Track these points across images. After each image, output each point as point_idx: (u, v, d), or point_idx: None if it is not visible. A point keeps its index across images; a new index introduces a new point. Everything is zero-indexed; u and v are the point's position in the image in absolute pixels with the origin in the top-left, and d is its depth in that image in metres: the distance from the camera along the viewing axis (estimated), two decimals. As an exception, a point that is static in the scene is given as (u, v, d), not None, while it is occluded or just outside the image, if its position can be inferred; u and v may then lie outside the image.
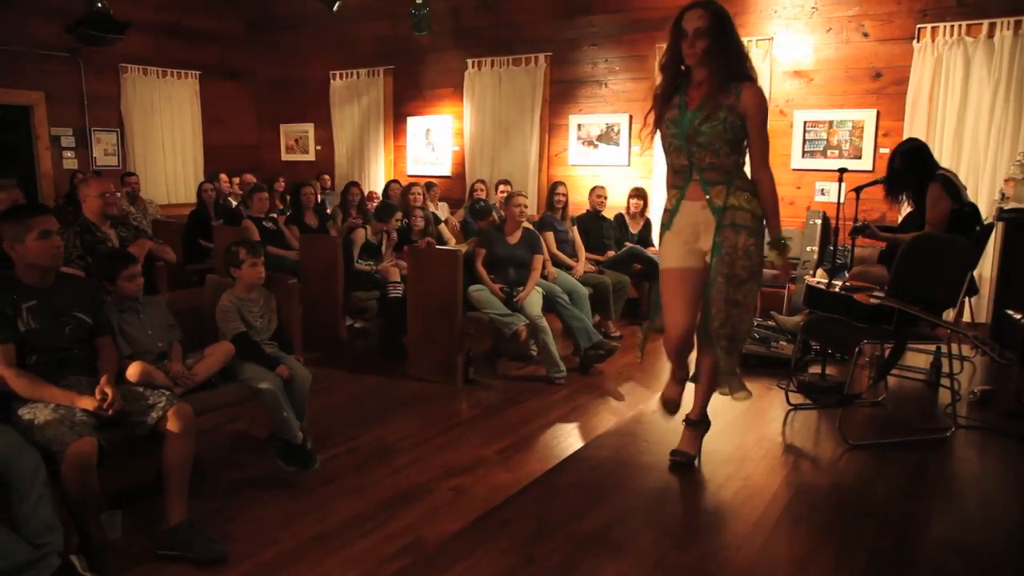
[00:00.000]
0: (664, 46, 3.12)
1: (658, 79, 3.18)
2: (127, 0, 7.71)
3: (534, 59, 8.35)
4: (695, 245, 3.10)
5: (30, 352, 2.80)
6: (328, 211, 7.26)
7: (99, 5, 5.39)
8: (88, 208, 4.09)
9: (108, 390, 2.77)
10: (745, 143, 3.01)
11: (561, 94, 8.29)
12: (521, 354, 5.67)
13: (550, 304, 5.29)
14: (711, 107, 2.94)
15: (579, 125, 8.18)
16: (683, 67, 3.04)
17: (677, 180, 3.15)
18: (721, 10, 2.92)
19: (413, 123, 9.53)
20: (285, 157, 10.82)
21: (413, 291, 5.18)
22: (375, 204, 6.90)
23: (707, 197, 3.03)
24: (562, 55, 8.20)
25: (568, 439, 4.09)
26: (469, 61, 8.81)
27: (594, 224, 6.78)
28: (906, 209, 4.89)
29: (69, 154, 8.67)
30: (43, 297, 2.85)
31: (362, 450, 3.87)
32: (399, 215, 6.15)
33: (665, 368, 4.98)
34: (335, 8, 7.35)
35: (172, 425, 2.83)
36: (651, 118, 3.16)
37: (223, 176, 8.56)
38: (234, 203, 7.66)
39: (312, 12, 8.84)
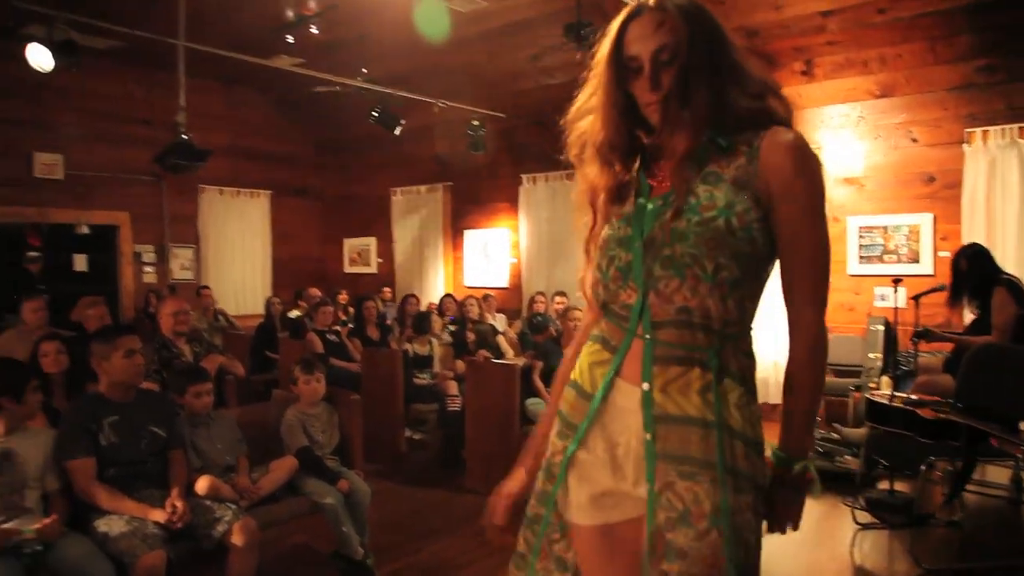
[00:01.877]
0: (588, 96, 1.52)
1: (592, 162, 1.51)
2: (207, 127, 8.35)
3: (587, 173, 8.61)
4: (619, 483, 1.42)
5: (109, 465, 2.94)
6: (387, 323, 7.47)
7: (183, 137, 5.85)
8: (164, 325, 4.34)
9: (178, 504, 2.88)
10: (767, 263, 1.41)
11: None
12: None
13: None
14: (693, 185, 1.38)
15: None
16: (635, 130, 1.47)
17: (612, 334, 1.46)
18: (694, 5, 1.41)
19: (471, 236, 9.85)
20: (348, 269, 11.24)
21: (471, 404, 5.24)
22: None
23: (643, 386, 1.38)
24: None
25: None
26: (524, 176, 9.16)
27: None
28: (969, 315, 4.82)
29: (149, 269, 9.20)
30: (123, 412, 3.02)
31: (422, 566, 3.86)
32: (440, 323, 6.31)
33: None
34: (397, 132, 7.79)
35: (237, 539, 2.91)
36: (593, 228, 1.55)
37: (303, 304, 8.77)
38: (296, 315, 7.94)
39: (376, 133, 9.37)
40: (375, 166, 10.76)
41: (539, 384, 5.28)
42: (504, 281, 9.52)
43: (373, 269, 10.97)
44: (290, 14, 5.36)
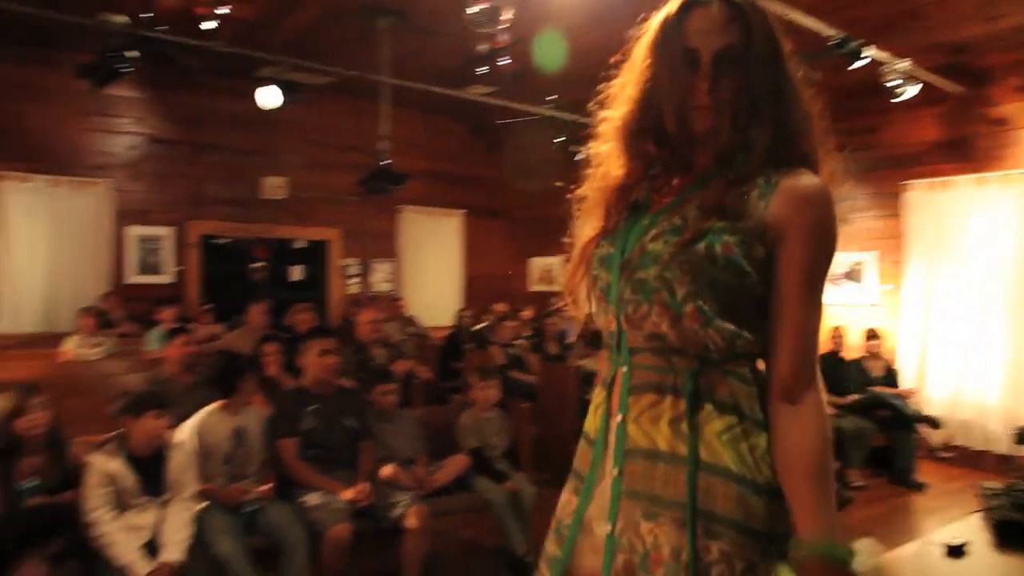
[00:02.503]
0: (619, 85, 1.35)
1: (616, 160, 1.37)
2: (407, 152, 9.12)
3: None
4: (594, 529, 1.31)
5: (309, 447, 3.41)
6: (567, 341, 7.73)
7: (384, 163, 6.50)
8: (361, 331, 4.87)
9: (364, 486, 3.28)
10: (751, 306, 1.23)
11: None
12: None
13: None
14: (692, 205, 1.24)
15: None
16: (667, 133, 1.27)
17: (605, 369, 1.36)
18: (760, 12, 1.23)
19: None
20: (533, 287, 11.67)
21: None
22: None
23: (618, 417, 1.28)
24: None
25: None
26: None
27: (832, 365, 6.54)
28: None
29: (353, 281, 10.13)
30: (323, 403, 3.48)
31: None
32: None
33: (915, 525, 4.60)
34: (578, 158, 8.07)
35: (411, 522, 3.26)
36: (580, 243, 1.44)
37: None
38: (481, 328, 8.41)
39: (563, 157, 9.77)
40: (562, 188, 11.09)
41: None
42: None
43: (558, 287, 11.28)
44: (482, 47, 5.79)
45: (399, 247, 10.57)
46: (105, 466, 2.88)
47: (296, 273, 9.70)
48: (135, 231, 8.49)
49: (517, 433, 4.23)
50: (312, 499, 3.22)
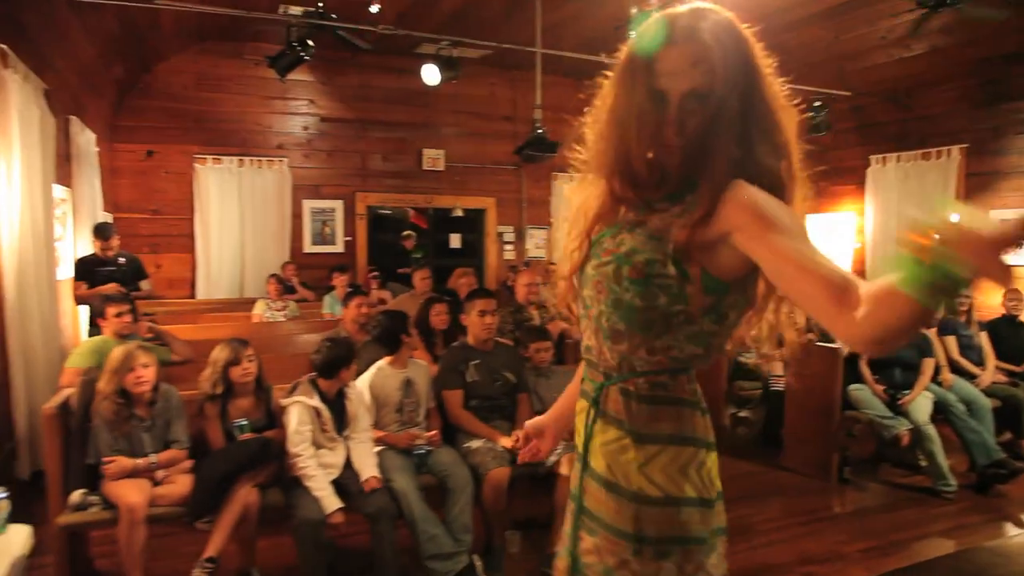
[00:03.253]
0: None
1: (592, 191, 1.42)
2: (560, 120, 9.25)
3: (946, 152, 7.92)
4: None
5: (472, 398, 3.73)
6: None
7: (538, 131, 6.73)
8: (519, 293, 5.15)
9: (522, 434, 3.56)
10: (676, 321, 1.25)
11: (979, 187, 7.69)
12: (906, 462, 5.37)
13: (942, 412, 4.99)
14: (625, 230, 1.33)
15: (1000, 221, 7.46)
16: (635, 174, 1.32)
17: None
18: (733, 36, 1.25)
19: (810, 221, 9.55)
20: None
21: (792, 385, 5.33)
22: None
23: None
24: (981, 146, 7.66)
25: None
26: (873, 157, 8.68)
27: (1008, 330, 6.14)
28: None
29: (509, 247, 10.52)
30: (483, 358, 3.79)
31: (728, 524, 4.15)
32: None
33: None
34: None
35: (564, 469, 3.50)
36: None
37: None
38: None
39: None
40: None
41: (866, 370, 5.16)
42: (847, 267, 9.09)
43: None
44: (633, 11, 5.83)
45: (553, 214, 10.83)
46: (308, 404, 3.33)
47: (455, 241, 10.22)
48: (310, 205, 9.28)
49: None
50: (474, 445, 3.55)
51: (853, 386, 5.10)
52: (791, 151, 1.29)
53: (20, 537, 1.99)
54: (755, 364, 6.17)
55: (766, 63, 1.27)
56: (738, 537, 3.94)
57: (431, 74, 6.64)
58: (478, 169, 10.00)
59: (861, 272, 8.85)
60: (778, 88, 1.28)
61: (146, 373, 3.28)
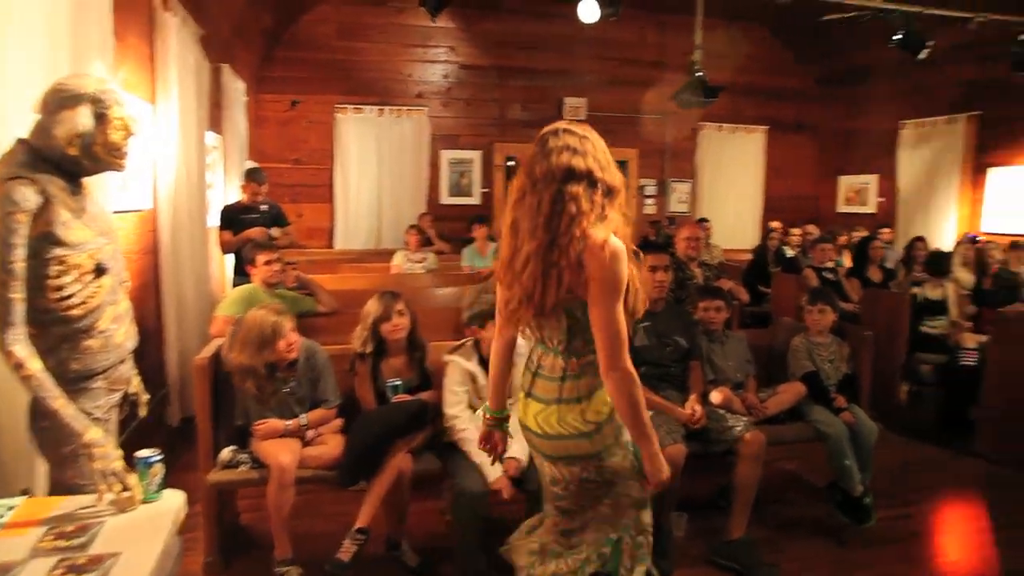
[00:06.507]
0: None
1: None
2: (711, 65, 8.54)
3: None
4: None
5: (640, 364, 3.34)
6: (889, 266, 6.93)
7: (699, 75, 6.13)
8: (679, 248, 4.70)
9: (697, 407, 3.17)
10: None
11: None
12: None
13: None
14: None
15: None
16: None
17: None
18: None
19: (996, 174, 8.47)
20: (841, 208, 10.66)
21: (994, 360, 4.63)
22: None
23: None
24: None
25: None
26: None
27: None
28: None
29: (650, 201, 9.99)
30: (654, 320, 3.40)
31: (920, 519, 3.63)
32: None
33: None
34: (922, 56, 6.94)
35: (746, 448, 3.10)
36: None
37: (776, 224, 8.79)
38: (790, 252, 7.85)
39: (883, 62, 8.58)
40: (882, 98, 9.87)
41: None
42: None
43: (870, 208, 10.20)
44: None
45: (697, 166, 10.19)
46: (464, 366, 3.07)
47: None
48: (448, 155, 9.09)
49: (855, 363, 3.83)
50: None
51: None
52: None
53: (174, 505, 1.81)
54: (941, 334, 5.46)
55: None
56: (938, 537, 3.42)
57: (590, 10, 6.12)
58: (620, 119, 9.47)
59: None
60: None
61: (296, 337, 3.10)
